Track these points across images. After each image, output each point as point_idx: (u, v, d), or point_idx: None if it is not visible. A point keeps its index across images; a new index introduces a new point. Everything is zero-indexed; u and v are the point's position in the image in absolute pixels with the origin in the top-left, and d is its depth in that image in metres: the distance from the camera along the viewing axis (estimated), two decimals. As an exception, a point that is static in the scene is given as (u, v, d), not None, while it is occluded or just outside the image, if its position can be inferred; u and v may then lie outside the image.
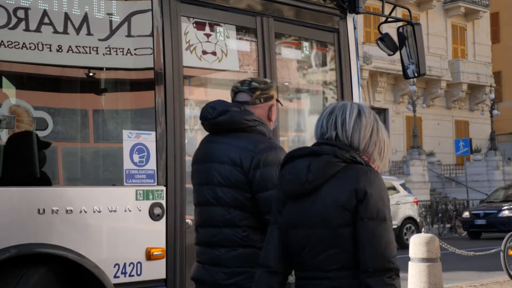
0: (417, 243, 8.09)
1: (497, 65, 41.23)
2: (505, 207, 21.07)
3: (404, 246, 16.54)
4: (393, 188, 17.88)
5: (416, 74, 5.20)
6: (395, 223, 16.78)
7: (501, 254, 9.59)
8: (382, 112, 36.81)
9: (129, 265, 3.78)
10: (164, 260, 3.92)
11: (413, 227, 17.73)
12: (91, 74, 3.95)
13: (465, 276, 10.57)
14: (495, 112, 35.17)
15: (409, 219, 17.91)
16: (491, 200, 23.06)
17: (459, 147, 32.72)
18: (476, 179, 32.56)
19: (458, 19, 39.76)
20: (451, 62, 38.38)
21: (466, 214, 22.27)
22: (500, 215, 20.69)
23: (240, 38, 4.64)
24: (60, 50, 3.70)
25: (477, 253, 9.79)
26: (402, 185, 18.83)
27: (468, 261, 12.35)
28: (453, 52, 39.86)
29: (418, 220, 18.36)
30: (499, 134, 38.92)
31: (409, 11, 5.44)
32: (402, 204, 17.71)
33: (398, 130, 37.02)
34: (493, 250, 9.81)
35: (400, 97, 36.33)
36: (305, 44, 5.03)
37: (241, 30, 4.59)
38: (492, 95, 35.97)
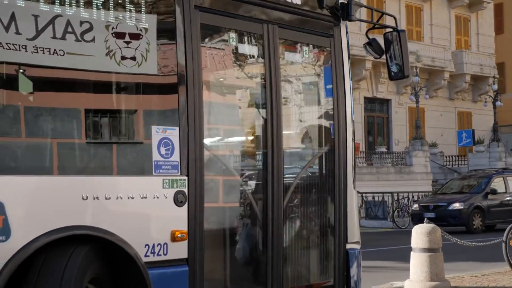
0: (419, 233, 8.14)
1: (500, 56, 41.15)
2: (456, 200, 19.94)
3: None
4: None
5: (400, 76, 5.75)
6: None
7: (503, 244, 9.62)
8: (384, 103, 36.80)
9: (157, 246, 4.28)
10: (186, 242, 4.41)
11: None
12: (130, 81, 4.42)
13: (467, 267, 10.62)
14: (498, 103, 35.12)
15: None
16: (443, 192, 21.88)
17: (461, 138, 32.78)
18: (479, 170, 32.56)
19: (462, 10, 39.66)
20: (454, 53, 38.30)
21: (415, 206, 21.05)
22: (451, 208, 19.67)
23: (249, 43, 5.18)
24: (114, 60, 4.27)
25: (479, 244, 9.83)
26: None
27: (470, 252, 12.39)
28: (457, 43, 39.77)
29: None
30: (502, 126, 38.88)
31: (395, 18, 5.91)
32: None
33: (401, 121, 36.99)
34: (495, 241, 9.85)
35: (403, 88, 36.27)
36: (305, 48, 5.59)
37: (248, 36, 5.14)
38: (495, 86, 35.91)
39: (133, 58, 4.27)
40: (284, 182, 5.19)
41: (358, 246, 5.76)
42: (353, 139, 5.81)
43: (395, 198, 23.42)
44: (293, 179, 5.44)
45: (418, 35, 37.60)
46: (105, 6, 4.22)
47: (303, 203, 5.56)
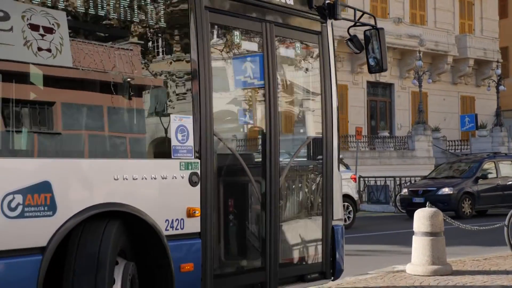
0: (421, 217, 8.15)
1: (504, 40, 40.97)
2: (445, 185, 19.45)
3: None
4: None
5: (378, 69, 6.43)
6: None
7: (505, 229, 9.61)
8: (387, 87, 36.70)
9: (175, 221, 4.83)
10: (199, 218, 4.96)
11: (350, 207, 16.22)
12: (154, 75, 5.04)
13: (469, 251, 10.63)
14: (501, 88, 35.02)
15: (345, 197, 15.77)
16: (433, 176, 21.24)
17: (464, 123, 32.65)
18: (481, 155, 32.50)
19: (466, -7, 39.45)
20: (458, 37, 38.13)
21: (404, 191, 20.46)
22: (440, 193, 19.13)
23: (249, 40, 5.78)
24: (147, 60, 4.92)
25: (481, 228, 9.84)
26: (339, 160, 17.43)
27: (472, 236, 12.41)
28: (460, 27, 39.57)
29: (356, 198, 16.65)
30: (505, 110, 38.80)
31: (374, 18, 6.54)
32: None
33: (404, 106, 36.92)
34: (497, 225, 9.85)
35: (406, 72, 36.16)
36: (297, 44, 6.19)
37: (249, 34, 5.72)
38: (499, 71, 35.79)
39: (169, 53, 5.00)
40: (280, 165, 5.76)
41: (341, 223, 6.41)
42: (338, 127, 6.41)
43: (397, 182, 23.40)
44: (287, 162, 5.99)
45: (422, 19, 37.42)
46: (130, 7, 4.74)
47: (295, 184, 6.16)
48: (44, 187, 4.08)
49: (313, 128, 6.47)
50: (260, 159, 5.70)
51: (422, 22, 37.30)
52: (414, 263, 8.16)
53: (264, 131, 5.68)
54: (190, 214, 4.90)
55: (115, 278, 4.38)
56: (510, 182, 20.33)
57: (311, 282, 6.08)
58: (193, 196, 4.96)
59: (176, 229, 4.82)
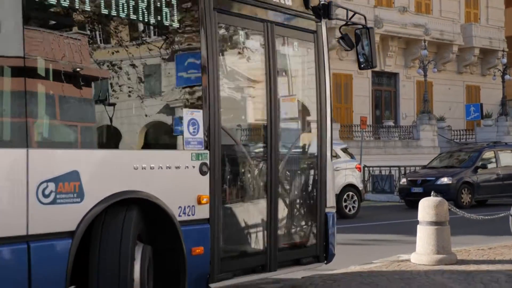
0: (425, 207, 8.15)
1: (510, 29, 40.73)
2: (444, 174, 19.28)
3: (343, 216, 15.73)
4: (333, 154, 16.37)
5: (368, 66, 6.86)
6: None
7: (510, 218, 9.62)
8: (392, 77, 36.60)
9: (187, 207, 5.20)
10: (208, 205, 5.33)
11: (355, 196, 16.21)
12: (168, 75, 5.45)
13: (473, 240, 10.64)
14: (507, 77, 34.87)
15: (350, 187, 16.14)
16: (432, 166, 21.04)
17: (469, 112, 32.61)
18: (487, 144, 32.40)
19: (472, -18, 39.25)
20: (463, 26, 37.95)
21: (403, 181, 20.38)
22: (439, 182, 18.90)
23: (252, 39, 6.14)
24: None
25: (486, 217, 9.84)
26: (344, 150, 16.97)
27: (476, 226, 12.42)
28: (466, 16, 39.38)
29: (360, 188, 16.57)
30: (511, 100, 38.67)
31: (365, 17, 6.97)
32: (342, 170, 16.03)
33: (409, 95, 36.83)
34: (502, 215, 9.85)
35: (411, 62, 36.04)
36: (295, 42, 6.56)
37: (252, 33, 6.09)
38: (505, 60, 35.63)
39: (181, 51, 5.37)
40: (279, 156, 6.15)
41: (333, 210, 6.82)
42: (331, 120, 6.83)
43: (402, 172, 23.38)
44: (286, 153, 6.35)
45: (427, 8, 37.25)
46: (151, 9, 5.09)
47: (292, 174, 6.52)
48: (73, 176, 4.44)
49: (308, 121, 6.81)
50: (262, 150, 6.08)
51: (427, 11, 37.13)
52: (419, 253, 8.16)
53: (266, 123, 6.04)
54: (200, 201, 5.27)
55: (134, 260, 4.70)
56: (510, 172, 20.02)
57: (306, 265, 6.48)
58: (203, 185, 5.33)
59: (187, 215, 5.19)
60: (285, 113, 6.47)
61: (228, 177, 5.75)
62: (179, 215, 5.11)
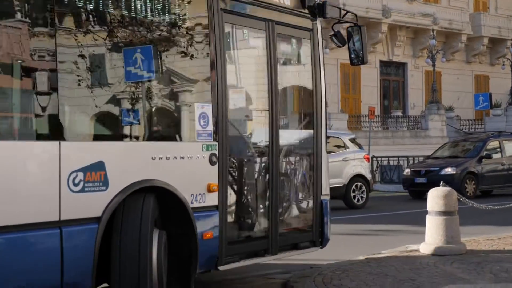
0: (434, 197, 8.12)
1: (519, 18, 40.49)
2: (448, 164, 19.02)
3: (352, 206, 15.89)
4: (341, 145, 16.41)
5: (359, 62, 7.24)
6: (341, 180, 15.71)
7: (519, 208, 9.59)
8: (400, 67, 36.50)
9: (198, 195, 5.55)
10: (217, 193, 5.69)
11: (363, 187, 16.22)
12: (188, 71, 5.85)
13: (483, 230, 10.60)
14: (516, 66, 34.69)
15: (358, 177, 16.15)
16: (436, 156, 20.72)
17: (478, 102, 32.46)
18: (495, 134, 32.24)
19: (480, -29, 38.99)
20: (472, 15, 37.76)
21: (406, 171, 20.11)
22: (443, 173, 18.52)
23: (255, 37, 6.55)
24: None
25: (495, 207, 9.81)
26: (352, 140, 16.88)
27: (485, 216, 12.38)
28: (475, 5, 39.18)
29: (369, 178, 16.55)
30: (520, 89, 38.46)
31: (356, 16, 7.48)
32: (351, 161, 16.13)
33: (417, 85, 36.73)
34: (511, 205, 9.82)
35: (420, 51, 35.93)
36: (293, 40, 6.98)
37: (255, 31, 6.47)
38: (514, 49, 35.44)
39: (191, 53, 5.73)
40: (279, 147, 6.51)
41: (328, 197, 7.15)
42: (326, 113, 7.17)
43: (411, 162, 23.34)
44: (285, 144, 6.72)
45: (435, -3, 37.06)
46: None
47: (291, 164, 6.93)
48: (99, 166, 4.78)
49: (305, 113, 7.18)
50: (264, 142, 6.43)
51: (435, 0, 36.95)
52: (428, 243, 8.15)
53: (267, 116, 6.39)
54: (210, 189, 5.63)
55: (152, 244, 5.02)
56: None
57: (303, 249, 6.87)
58: (212, 174, 5.68)
59: (199, 202, 5.54)
60: (284, 104, 6.97)
61: (234, 166, 6.16)
62: (191, 202, 5.45)
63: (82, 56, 4.81)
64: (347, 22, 7.28)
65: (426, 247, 8.13)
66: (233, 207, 6.07)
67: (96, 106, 4.96)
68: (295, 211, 6.92)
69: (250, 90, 6.68)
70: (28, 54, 4.50)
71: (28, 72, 4.51)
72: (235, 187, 6.14)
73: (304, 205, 7.02)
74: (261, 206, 6.41)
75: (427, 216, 8.21)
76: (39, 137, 4.51)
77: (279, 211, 6.49)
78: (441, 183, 8.38)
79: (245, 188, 6.35)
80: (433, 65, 31.77)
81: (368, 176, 16.65)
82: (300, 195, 7.03)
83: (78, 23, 4.83)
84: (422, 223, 8.48)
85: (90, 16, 4.92)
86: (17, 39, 4.45)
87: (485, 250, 8.29)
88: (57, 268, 4.45)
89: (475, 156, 19.54)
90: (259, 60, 6.48)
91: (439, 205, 8.05)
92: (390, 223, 12.95)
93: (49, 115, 4.57)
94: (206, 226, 5.60)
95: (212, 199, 5.67)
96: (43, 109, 4.55)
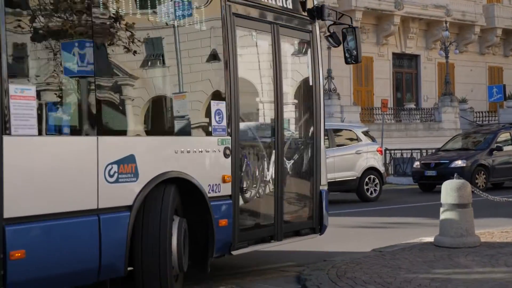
0: (448, 189, 8.09)
1: (533, 9, 40.14)
2: (458, 157, 18.80)
3: (365, 199, 15.85)
4: (354, 137, 16.43)
5: (353, 61, 7.70)
6: (354, 173, 15.78)
7: (534, 200, 9.53)
8: (413, 59, 36.33)
9: (215, 185, 6.04)
10: (230, 183, 6.18)
11: (376, 179, 16.17)
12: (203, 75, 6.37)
13: (497, 223, 10.55)
14: (530, 57, 34.40)
15: (371, 170, 16.08)
16: (446, 149, 20.41)
17: (492, 94, 32.25)
18: (509, 126, 31.97)
19: (494, -39, 38.66)
20: (485, 7, 37.48)
21: (416, 164, 19.83)
22: (453, 165, 18.26)
23: (262, 38, 7.02)
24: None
25: (510, 199, 9.76)
26: (365, 133, 16.82)
27: (500, 208, 12.33)
28: (488, -4, 38.87)
29: (382, 171, 16.46)
30: (534, 80, 38.18)
31: (351, 18, 7.89)
32: (364, 153, 16.09)
33: (430, 77, 36.55)
34: (526, 197, 9.78)
35: (432, 43, 35.73)
36: (295, 41, 7.52)
37: (262, 33, 6.95)
38: (528, 40, 35.15)
39: (214, 56, 6.34)
40: (284, 141, 7.01)
41: (326, 187, 7.61)
42: (323, 108, 7.66)
43: (424, 155, 23.23)
44: (289, 138, 7.25)
45: (448, -11, 36.81)
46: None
47: (294, 157, 7.37)
48: (131, 159, 5.25)
49: (306, 109, 7.59)
50: (270, 137, 6.92)
51: (448, -9, 36.69)
52: (441, 235, 8.13)
53: (273, 112, 6.86)
54: (224, 180, 6.12)
55: (172, 231, 5.52)
56: None
57: (304, 236, 7.32)
58: (226, 166, 6.17)
59: (215, 192, 6.02)
60: (288, 101, 7.34)
61: (245, 159, 6.63)
62: (209, 192, 5.94)
63: (116, 63, 5.35)
64: (343, 23, 7.70)
65: (440, 240, 8.11)
66: (244, 197, 6.54)
67: (128, 105, 5.48)
68: (297, 200, 7.45)
69: (258, 87, 7.12)
70: (68, 61, 4.93)
71: (70, 77, 4.98)
72: (245, 178, 6.59)
73: (305, 195, 7.46)
74: (268, 195, 6.87)
75: (440, 208, 8.18)
76: (80, 132, 4.98)
77: (284, 200, 6.95)
78: (455, 175, 8.35)
79: (254, 179, 6.80)
80: (446, 57, 31.58)
81: (381, 168, 16.61)
82: (302, 185, 7.49)
83: (114, 29, 5.32)
84: (436, 215, 8.45)
85: (124, 21, 5.40)
86: (55, 44, 4.85)
87: (499, 243, 8.26)
88: (96, 251, 4.93)
89: (486, 148, 19.35)
90: (266, 59, 6.95)
91: (453, 198, 8.02)
92: (404, 215, 12.91)
93: (89, 112, 5.01)
94: (222, 214, 6.06)
95: (226, 189, 6.14)
96: (84, 107, 5.00)
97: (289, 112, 7.39)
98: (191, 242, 5.97)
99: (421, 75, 36.35)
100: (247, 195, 6.64)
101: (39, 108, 4.67)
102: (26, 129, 4.52)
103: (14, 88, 4.46)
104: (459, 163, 18.58)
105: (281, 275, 6.99)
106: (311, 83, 7.46)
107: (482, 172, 18.75)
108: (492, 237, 8.73)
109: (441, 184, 8.38)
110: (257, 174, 6.84)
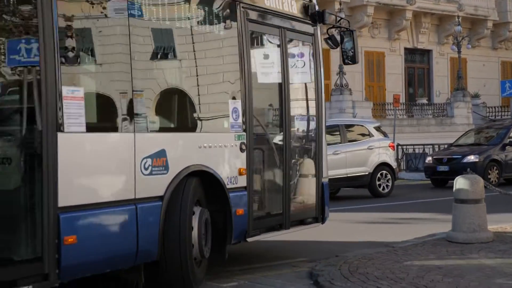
0: (461, 184, 8.07)
1: (546, 3, 39.81)
2: (471, 152, 18.66)
3: (377, 195, 15.83)
4: (366, 133, 16.37)
5: (351, 62, 8.30)
6: (366, 169, 15.80)
7: (547, 195, 9.48)
8: (425, 54, 36.14)
9: (232, 178, 6.53)
10: (245, 176, 6.68)
11: (388, 175, 16.16)
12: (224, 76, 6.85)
13: (510, 218, 10.49)
14: (543, 52, 34.13)
15: (383, 165, 16.09)
16: (459, 144, 20.33)
17: (505, 89, 31.95)
18: (522, 121, 31.77)
19: (506, -45, 38.37)
20: (498, 1, 37.20)
21: (428, 159, 19.74)
22: (465, 161, 18.13)
23: (271, 42, 7.61)
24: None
25: (523, 195, 9.71)
26: (377, 128, 16.77)
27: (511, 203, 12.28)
28: (501, -10, 38.58)
29: (394, 166, 16.45)
30: (547, 75, 37.91)
31: (348, 22, 8.72)
32: (376, 149, 16.04)
33: (442, 72, 36.35)
34: (539, 192, 9.72)
35: (445, 38, 35.53)
36: (300, 43, 8.02)
37: (272, 36, 7.52)
38: (541, 35, 34.87)
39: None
40: (292, 136, 7.49)
41: (327, 180, 8.20)
42: (324, 105, 8.17)
43: (436, 150, 23.13)
44: (295, 134, 7.77)
45: (461, -17, 36.59)
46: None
47: (299, 151, 7.94)
48: (162, 153, 5.71)
49: (310, 106, 8.06)
50: (279, 134, 7.37)
51: (461, -14, 36.48)
52: (454, 230, 8.11)
53: (282, 109, 7.37)
54: (240, 172, 6.61)
55: (193, 220, 5.97)
56: None
57: (308, 225, 7.81)
58: (242, 160, 6.66)
59: (233, 184, 6.51)
60: (294, 99, 7.72)
61: (258, 153, 7.10)
62: (227, 184, 6.42)
63: (154, 70, 5.89)
64: (341, 27, 8.30)
65: (452, 235, 8.09)
66: (257, 188, 7.05)
67: (159, 105, 5.92)
68: (302, 192, 7.88)
69: (268, 87, 7.62)
70: (110, 69, 5.47)
71: (111, 81, 5.48)
72: (258, 171, 7.11)
73: (309, 186, 7.93)
74: (277, 187, 7.35)
75: (453, 203, 8.16)
76: (119, 129, 5.41)
77: (291, 192, 7.47)
78: (467, 170, 8.33)
79: (266, 171, 7.33)
80: (459, 52, 31.40)
81: (393, 164, 16.57)
82: (306, 177, 7.96)
83: (151, 39, 5.88)
84: (448, 211, 8.43)
85: (165, 32, 6.10)
86: (99, 53, 5.37)
87: (512, 238, 8.22)
88: (134, 237, 5.37)
89: (499, 143, 19.22)
90: (274, 60, 7.48)
91: (466, 193, 8.00)
92: (416, 211, 12.89)
93: (128, 111, 5.45)
94: (238, 204, 6.54)
95: (242, 181, 6.63)
96: (123, 106, 5.45)
97: (295, 109, 7.84)
98: (212, 230, 6.37)
99: (433, 70, 36.17)
100: (260, 186, 7.15)
101: (87, 107, 5.09)
102: (76, 126, 4.95)
103: (66, 89, 4.88)
104: (471, 158, 18.45)
105: (293, 270, 7.01)
106: (313, 83, 7.99)
107: (495, 167, 18.62)
108: (505, 232, 8.70)
109: (453, 179, 8.37)
110: (268, 167, 7.34)
